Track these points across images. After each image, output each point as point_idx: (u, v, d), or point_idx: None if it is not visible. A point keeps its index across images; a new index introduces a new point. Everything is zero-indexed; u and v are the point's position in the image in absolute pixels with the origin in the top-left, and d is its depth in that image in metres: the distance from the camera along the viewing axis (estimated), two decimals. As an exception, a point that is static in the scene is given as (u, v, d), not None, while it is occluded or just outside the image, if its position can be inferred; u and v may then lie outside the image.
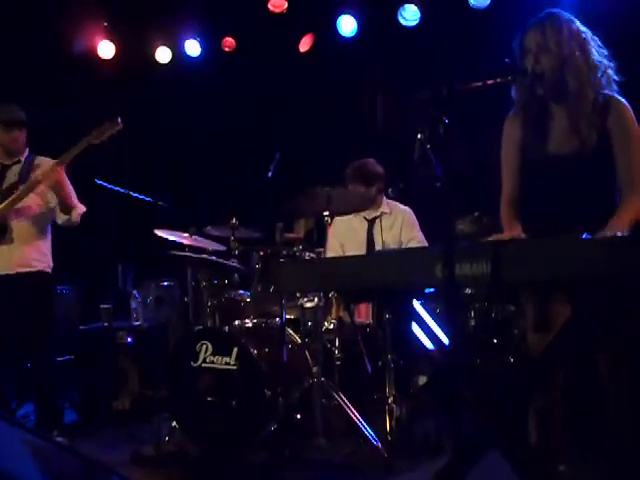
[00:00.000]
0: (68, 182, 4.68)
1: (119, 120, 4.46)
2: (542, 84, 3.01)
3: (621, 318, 2.76)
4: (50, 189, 4.49)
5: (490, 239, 2.88)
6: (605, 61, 3.05)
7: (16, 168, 4.68)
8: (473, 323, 4.86)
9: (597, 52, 3.04)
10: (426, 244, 5.20)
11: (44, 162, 4.63)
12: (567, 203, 2.95)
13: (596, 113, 3.01)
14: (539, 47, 3.00)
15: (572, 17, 3.08)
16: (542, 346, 2.85)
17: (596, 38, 3.09)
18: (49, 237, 4.76)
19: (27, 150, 4.76)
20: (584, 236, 2.40)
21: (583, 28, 3.07)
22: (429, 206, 4.81)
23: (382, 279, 2.48)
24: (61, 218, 4.64)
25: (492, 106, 3.34)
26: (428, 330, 2.76)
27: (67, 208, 4.57)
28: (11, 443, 2.21)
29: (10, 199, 4.49)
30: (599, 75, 3.02)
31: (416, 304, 2.83)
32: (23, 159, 4.71)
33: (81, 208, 4.66)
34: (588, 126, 3.01)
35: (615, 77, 3.07)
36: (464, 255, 2.33)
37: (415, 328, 2.75)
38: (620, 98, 3.05)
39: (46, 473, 2.22)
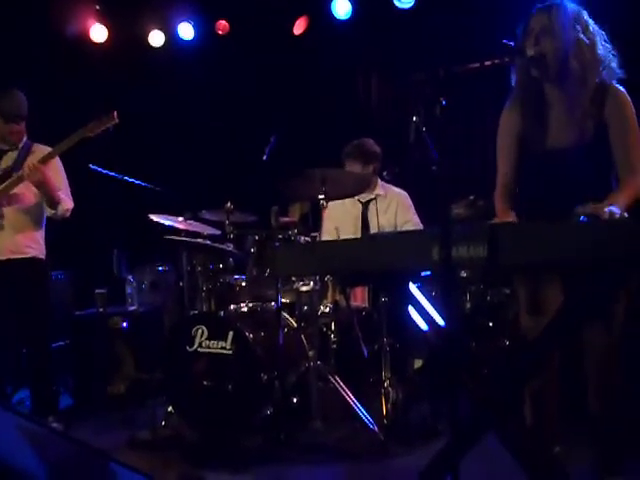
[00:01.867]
0: (62, 176, 4.67)
1: (115, 114, 4.44)
2: (541, 66, 2.99)
3: (615, 301, 2.78)
4: (33, 185, 4.47)
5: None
6: (610, 55, 3.04)
7: (12, 154, 4.68)
8: (469, 306, 4.87)
9: (602, 46, 3.03)
10: (422, 227, 5.19)
11: (40, 149, 4.61)
12: (567, 194, 2.94)
13: (594, 102, 3.00)
14: (542, 29, 2.99)
15: (581, 8, 3.07)
16: (535, 329, 2.86)
17: (603, 33, 3.07)
18: (43, 225, 4.75)
19: (25, 137, 4.73)
20: (581, 219, 2.40)
21: (591, 21, 3.06)
22: (424, 189, 4.82)
23: (379, 262, 2.47)
24: (48, 212, 4.65)
25: (488, 88, 3.32)
26: (424, 313, 2.75)
27: (52, 203, 4.56)
28: (7, 429, 2.21)
29: (2, 186, 4.48)
30: (601, 67, 3.01)
31: (412, 287, 2.82)
32: (20, 145, 4.69)
33: (68, 204, 4.64)
34: (585, 115, 3.01)
35: (618, 72, 3.05)
36: (461, 238, 2.31)
37: (412, 311, 2.74)
38: (618, 86, 3.03)
39: (42, 459, 2.22)
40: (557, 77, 3.03)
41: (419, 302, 2.77)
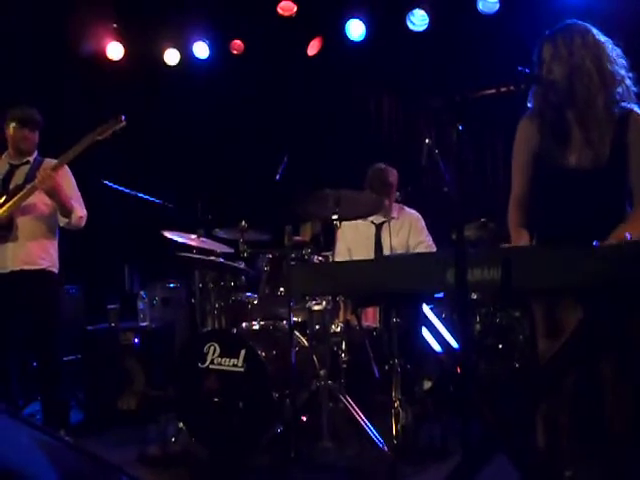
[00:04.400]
0: (73, 185, 4.71)
1: (123, 117, 4.49)
2: (555, 92, 3.02)
3: (630, 325, 2.78)
4: (46, 194, 4.51)
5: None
6: (622, 71, 3.04)
7: (24, 169, 4.70)
8: (478, 328, 4.88)
9: (616, 62, 3.03)
10: (434, 248, 5.21)
11: (52, 165, 4.64)
12: (583, 215, 2.96)
13: (612, 126, 3.00)
14: (552, 57, 3.02)
15: (589, 27, 3.08)
16: (552, 353, 2.86)
17: (617, 48, 3.07)
18: (56, 237, 4.76)
19: (36, 152, 4.78)
20: (594, 243, 2.42)
21: (602, 38, 3.06)
22: (436, 210, 4.85)
23: (393, 284, 2.50)
24: (62, 221, 4.67)
25: (499, 112, 3.35)
26: (437, 334, 2.78)
27: (65, 212, 4.59)
28: (22, 441, 2.22)
29: (15, 198, 4.52)
30: (616, 86, 3.01)
31: (426, 309, 2.85)
32: (32, 160, 4.73)
33: (80, 212, 4.65)
34: (601, 137, 3.01)
35: (634, 88, 3.06)
36: (475, 261, 2.34)
37: (425, 332, 2.77)
38: (636, 110, 3.03)
39: (58, 470, 2.24)
40: (570, 101, 3.05)
41: (432, 323, 2.79)
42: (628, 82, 3.05)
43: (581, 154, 3.05)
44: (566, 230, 2.94)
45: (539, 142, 3.15)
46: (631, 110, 3.03)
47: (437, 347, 2.77)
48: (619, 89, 3.03)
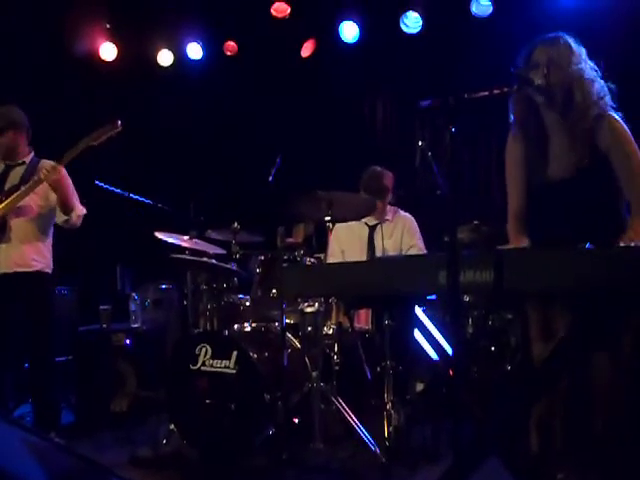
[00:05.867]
0: (70, 183, 4.69)
1: (119, 122, 4.47)
2: (548, 95, 3.05)
3: (621, 328, 2.79)
4: (50, 187, 4.49)
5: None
6: (605, 89, 3.13)
7: (19, 170, 4.68)
8: (471, 331, 4.88)
9: (598, 81, 3.13)
10: (425, 252, 5.21)
11: (48, 166, 4.62)
12: (572, 222, 2.99)
13: (590, 131, 3.08)
14: (551, 62, 3.06)
15: (575, 40, 3.17)
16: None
17: (597, 69, 3.17)
18: (50, 239, 4.74)
19: (32, 153, 4.76)
20: (587, 246, 2.43)
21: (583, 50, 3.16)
22: (429, 212, 4.85)
23: (386, 285, 2.50)
24: (60, 218, 4.64)
25: (492, 114, 3.37)
26: (430, 336, 2.78)
27: (66, 208, 4.58)
28: (12, 443, 2.21)
29: (10, 199, 4.49)
30: (600, 101, 3.10)
31: (418, 311, 2.85)
32: (28, 161, 4.71)
33: (81, 210, 4.65)
34: (582, 144, 3.08)
35: (611, 104, 3.14)
36: (467, 263, 2.34)
37: (417, 334, 2.77)
38: (613, 114, 3.11)
39: (47, 473, 2.22)
40: (561, 107, 3.10)
41: (424, 326, 2.79)
42: (608, 99, 3.13)
43: (561, 161, 3.12)
44: (558, 238, 2.96)
45: (525, 155, 3.22)
46: (607, 115, 3.10)
47: (429, 349, 2.77)
48: (601, 102, 3.11)
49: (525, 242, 3.15)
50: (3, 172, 4.68)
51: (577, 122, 3.09)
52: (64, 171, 4.62)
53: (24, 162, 4.70)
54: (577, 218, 2.98)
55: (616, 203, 3.07)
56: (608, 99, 3.14)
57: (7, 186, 4.60)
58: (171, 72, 7.34)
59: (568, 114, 3.11)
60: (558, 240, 2.93)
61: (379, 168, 5.28)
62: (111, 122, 4.48)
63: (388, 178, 5.24)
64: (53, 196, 4.58)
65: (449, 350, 2.62)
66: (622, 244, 2.72)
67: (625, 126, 3.11)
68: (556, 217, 3.10)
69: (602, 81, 3.15)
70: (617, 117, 3.11)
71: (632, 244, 2.58)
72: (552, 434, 3.07)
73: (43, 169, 4.45)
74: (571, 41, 3.15)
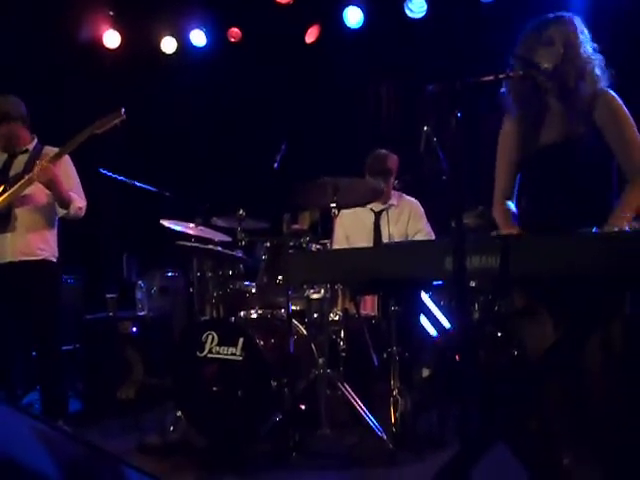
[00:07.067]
0: (73, 175, 4.68)
1: (122, 111, 4.46)
2: (556, 79, 3.03)
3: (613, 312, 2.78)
4: (43, 186, 4.48)
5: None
6: (603, 69, 3.12)
7: (23, 157, 4.66)
8: (477, 316, 4.87)
9: (591, 47, 3.11)
10: (433, 236, 5.20)
11: (52, 152, 4.60)
12: (562, 193, 2.99)
13: (588, 106, 3.07)
14: (567, 42, 3.06)
15: (577, 18, 3.15)
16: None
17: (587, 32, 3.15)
18: (55, 227, 4.74)
19: (35, 140, 4.74)
20: (593, 230, 2.42)
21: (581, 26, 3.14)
22: (434, 198, 4.83)
23: (392, 271, 2.49)
24: (60, 212, 4.65)
25: (497, 99, 3.34)
26: (436, 322, 2.77)
27: (63, 203, 4.57)
28: (21, 431, 2.21)
29: (15, 188, 4.48)
30: (600, 74, 3.09)
31: (424, 296, 2.84)
32: (31, 149, 4.70)
33: (80, 202, 4.63)
34: (578, 117, 3.07)
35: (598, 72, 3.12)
36: (473, 248, 2.33)
37: (423, 320, 2.76)
38: (608, 90, 3.10)
39: (56, 460, 2.23)
40: (567, 89, 3.07)
41: (431, 311, 2.78)
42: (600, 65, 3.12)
43: (555, 128, 3.12)
44: (552, 211, 2.96)
45: (519, 132, 3.22)
46: (602, 90, 3.09)
47: (435, 334, 2.76)
48: (598, 72, 3.09)
49: (514, 226, 3.15)
50: (6, 161, 4.66)
51: (577, 99, 3.07)
52: (66, 161, 4.62)
53: (27, 150, 4.69)
54: (566, 187, 2.98)
55: (606, 175, 3.06)
56: (606, 76, 3.12)
57: (11, 174, 4.60)
58: (175, 59, 7.32)
59: (571, 97, 3.09)
60: (549, 212, 2.93)
61: (384, 150, 5.26)
62: (115, 111, 4.47)
63: (393, 160, 5.21)
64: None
65: (455, 335, 2.62)
66: (614, 221, 2.72)
67: (621, 101, 3.10)
68: (547, 185, 3.10)
69: (601, 58, 3.13)
70: (613, 94, 3.10)
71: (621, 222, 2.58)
72: (561, 419, 3.07)
73: (37, 167, 4.42)
74: (580, 21, 3.13)
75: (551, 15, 3.13)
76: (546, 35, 3.07)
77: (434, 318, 2.73)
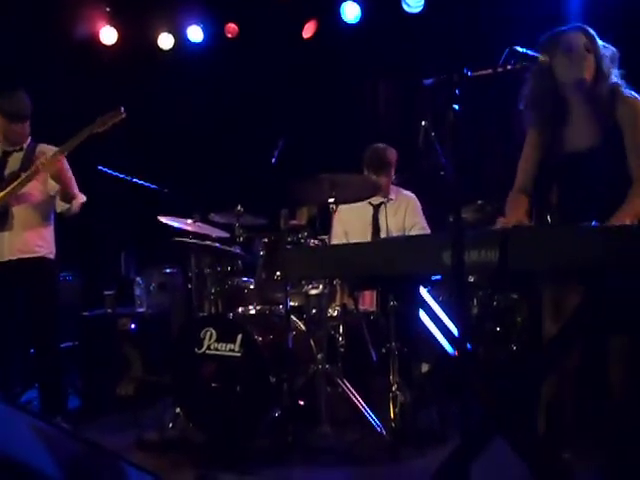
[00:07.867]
0: (69, 171, 4.67)
1: (122, 109, 4.45)
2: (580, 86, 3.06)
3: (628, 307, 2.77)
4: (51, 178, 4.48)
5: (497, 224, 2.88)
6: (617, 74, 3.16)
7: (18, 155, 4.66)
8: (476, 311, 4.87)
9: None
10: (428, 231, 5.19)
11: (46, 150, 4.60)
12: (583, 197, 2.99)
13: (604, 108, 3.09)
14: (589, 49, 3.09)
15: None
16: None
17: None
18: (52, 224, 4.74)
19: (29, 138, 4.74)
20: (593, 224, 2.41)
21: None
22: (433, 193, 4.82)
23: (390, 266, 2.48)
24: (61, 207, 4.63)
25: (496, 93, 3.34)
26: (435, 317, 2.76)
27: (68, 197, 4.56)
28: (19, 428, 2.20)
29: (11, 186, 4.48)
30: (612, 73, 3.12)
31: (423, 291, 2.83)
32: (25, 146, 4.69)
33: (81, 198, 4.64)
34: (598, 120, 3.10)
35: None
36: (472, 242, 2.32)
37: (422, 315, 2.75)
38: (628, 91, 3.12)
39: (55, 458, 2.22)
40: (586, 94, 3.11)
41: (430, 306, 2.77)
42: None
43: (581, 138, 3.12)
44: (574, 214, 2.96)
45: (542, 135, 3.23)
46: (619, 90, 3.10)
47: (435, 331, 2.75)
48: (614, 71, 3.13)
49: (522, 213, 3.14)
50: (1, 158, 4.66)
51: (595, 108, 3.10)
52: (64, 159, 4.60)
53: (22, 147, 4.68)
54: (587, 192, 2.98)
55: (625, 183, 3.06)
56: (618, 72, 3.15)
57: (7, 172, 4.59)
58: (172, 55, 7.31)
59: (589, 101, 3.13)
60: (571, 215, 2.94)
61: (382, 144, 5.24)
62: (114, 109, 4.46)
63: (391, 154, 5.19)
64: (53, 184, 4.56)
65: (454, 330, 2.61)
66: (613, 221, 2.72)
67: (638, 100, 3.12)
68: (569, 189, 3.11)
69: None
70: (632, 94, 3.13)
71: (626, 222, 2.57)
72: (562, 414, 3.07)
73: (42, 158, 4.42)
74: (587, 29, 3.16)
75: (573, 24, 3.18)
76: (566, 41, 3.09)
77: (435, 315, 2.71)
